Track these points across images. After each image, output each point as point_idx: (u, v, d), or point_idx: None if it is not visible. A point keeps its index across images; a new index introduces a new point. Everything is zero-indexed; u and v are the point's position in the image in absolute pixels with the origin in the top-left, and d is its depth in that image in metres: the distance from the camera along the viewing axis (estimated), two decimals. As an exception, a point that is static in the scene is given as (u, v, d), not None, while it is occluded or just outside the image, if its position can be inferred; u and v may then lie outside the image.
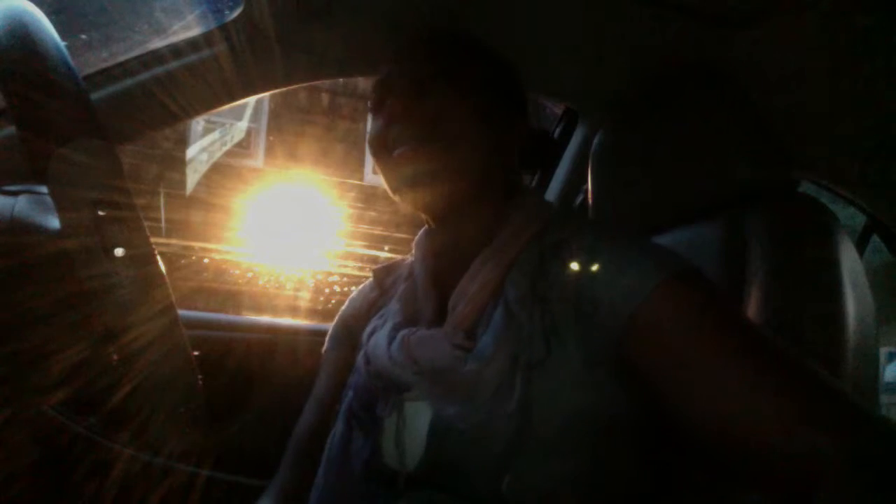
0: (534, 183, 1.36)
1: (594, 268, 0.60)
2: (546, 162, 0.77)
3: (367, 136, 0.72)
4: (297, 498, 0.72)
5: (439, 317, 0.67)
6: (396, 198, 0.71)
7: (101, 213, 0.51)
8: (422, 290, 0.71)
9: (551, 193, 1.30)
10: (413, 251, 0.77)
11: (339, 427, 0.68)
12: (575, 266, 0.61)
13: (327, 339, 0.85)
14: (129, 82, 0.95)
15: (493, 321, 0.61)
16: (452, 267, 0.68)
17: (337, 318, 0.86)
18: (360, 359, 0.71)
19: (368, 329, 0.74)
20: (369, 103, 0.73)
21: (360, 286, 0.87)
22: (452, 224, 0.70)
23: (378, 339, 0.68)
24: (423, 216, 0.74)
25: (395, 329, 0.68)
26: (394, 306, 0.73)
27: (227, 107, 1.04)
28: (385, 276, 0.82)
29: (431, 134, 0.65)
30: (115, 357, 0.53)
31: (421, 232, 0.77)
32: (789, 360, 0.53)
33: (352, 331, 0.82)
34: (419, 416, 0.60)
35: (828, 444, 0.46)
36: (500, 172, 0.72)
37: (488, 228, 0.68)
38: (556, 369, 0.57)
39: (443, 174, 0.66)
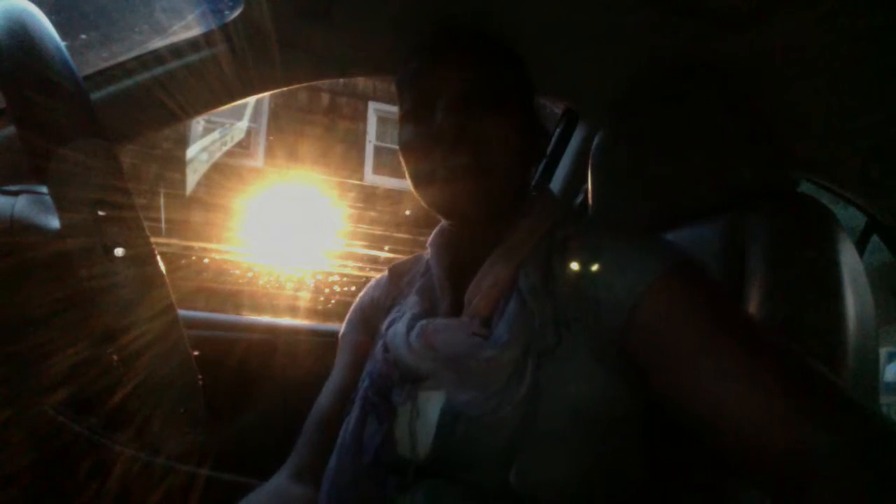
0: (536, 177, 1.36)
1: (598, 264, 0.61)
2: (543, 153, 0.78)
3: (402, 141, 0.70)
4: (311, 477, 0.73)
5: (456, 309, 0.69)
6: (430, 207, 0.71)
7: (101, 213, 0.51)
8: (439, 285, 0.73)
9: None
10: (428, 249, 0.78)
11: (354, 413, 0.68)
12: (580, 262, 0.63)
13: (344, 323, 0.87)
14: (129, 82, 0.95)
15: (507, 311, 0.63)
16: (468, 263, 0.70)
17: (354, 304, 0.88)
18: (378, 347, 0.72)
19: (387, 321, 0.75)
20: (401, 102, 0.71)
21: (377, 278, 0.88)
22: (474, 226, 0.72)
23: (397, 329, 0.70)
24: (448, 220, 0.75)
25: (414, 319, 0.69)
26: (412, 299, 0.75)
27: (227, 107, 1.04)
28: (401, 273, 0.84)
29: (482, 164, 0.66)
30: (115, 357, 0.53)
31: (436, 230, 0.78)
32: (788, 356, 0.53)
33: (368, 317, 0.83)
34: (432, 406, 0.61)
35: (826, 441, 0.46)
36: (527, 177, 0.74)
37: (503, 226, 0.69)
38: (565, 359, 0.58)
39: (487, 198, 0.67)
